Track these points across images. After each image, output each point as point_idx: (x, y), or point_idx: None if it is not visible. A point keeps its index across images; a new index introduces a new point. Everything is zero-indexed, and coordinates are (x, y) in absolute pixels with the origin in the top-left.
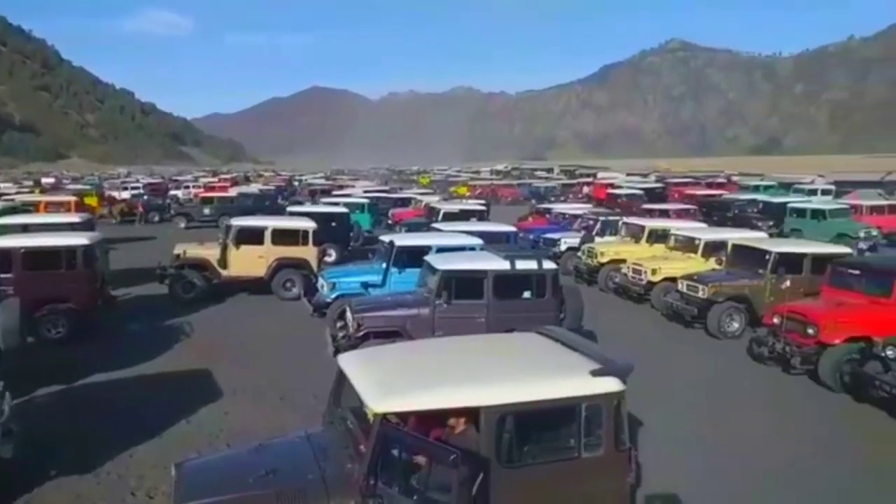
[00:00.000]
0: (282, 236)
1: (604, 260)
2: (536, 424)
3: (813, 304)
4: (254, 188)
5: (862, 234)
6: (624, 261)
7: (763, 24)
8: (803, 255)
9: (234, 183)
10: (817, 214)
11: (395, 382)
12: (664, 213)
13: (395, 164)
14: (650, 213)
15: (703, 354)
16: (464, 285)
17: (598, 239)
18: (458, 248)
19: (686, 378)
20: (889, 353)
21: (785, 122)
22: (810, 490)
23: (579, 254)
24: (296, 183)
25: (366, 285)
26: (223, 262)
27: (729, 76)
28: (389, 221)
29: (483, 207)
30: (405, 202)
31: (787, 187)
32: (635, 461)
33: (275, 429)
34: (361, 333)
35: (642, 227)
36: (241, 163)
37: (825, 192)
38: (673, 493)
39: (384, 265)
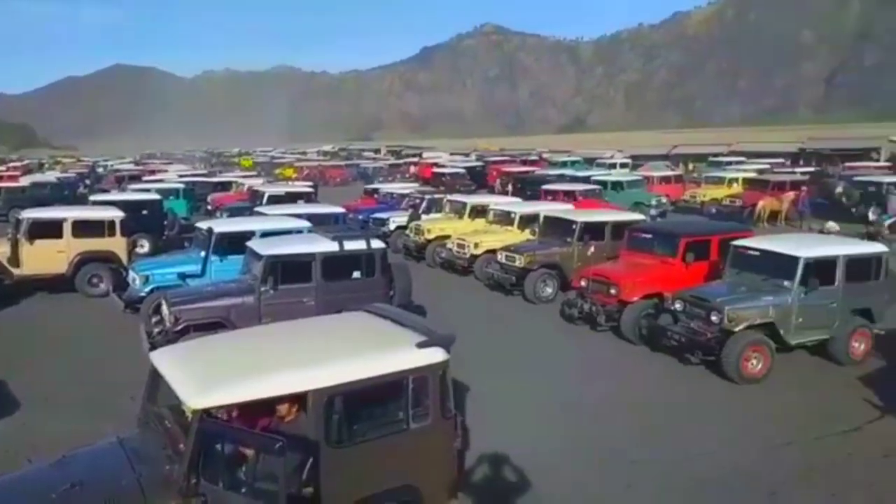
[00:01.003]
0: (84, 228)
1: (430, 237)
2: (365, 402)
3: (613, 266)
4: (50, 176)
5: (654, 203)
6: (449, 236)
7: (566, 10)
8: (604, 224)
9: (27, 171)
10: (616, 186)
11: (212, 375)
12: (570, 195)
13: (214, 147)
14: (554, 195)
15: (522, 318)
16: (291, 269)
17: (424, 217)
18: (285, 232)
19: (507, 341)
20: (677, 305)
21: (588, 103)
22: (622, 426)
23: (407, 232)
24: (100, 169)
25: (183, 276)
26: (14, 259)
27: (538, 60)
28: (209, 207)
29: (311, 189)
30: (225, 186)
31: (590, 162)
32: (462, 426)
33: (85, 437)
34: (180, 327)
35: (464, 204)
36: (34, 148)
37: (623, 166)
38: (502, 452)
39: (203, 253)
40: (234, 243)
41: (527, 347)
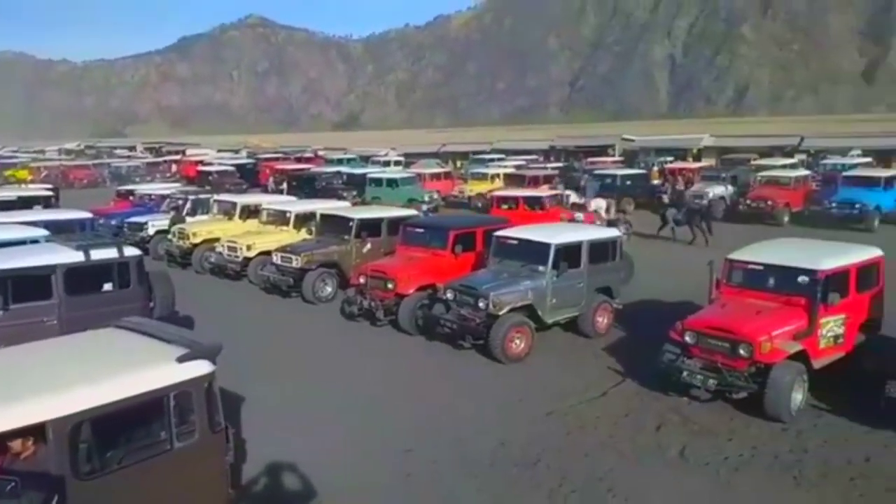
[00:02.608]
0: None
1: (197, 240)
2: (119, 426)
3: (390, 261)
4: None
5: (426, 198)
6: (218, 239)
7: (334, 7)
8: (381, 220)
9: None
10: (392, 183)
11: None
12: (535, 202)
13: None
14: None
15: (302, 320)
16: (24, 285)
17: (189, 219)
18: (17, 243)
19: (287, 345)
20: (448, 295)
21: (361, 100)
22: (401, 416)
23: (170, 236)
24: None
25: None
26: None
27: (308, 55)
28: None
29: (50, 193)
30: None
31: (366, 160)
32: (233, 439)
33: None
34: None
35: (234, 204)
36: None
37: (397, 164)
38: (284, 459)
39: None
40: None
41: (307, 349)
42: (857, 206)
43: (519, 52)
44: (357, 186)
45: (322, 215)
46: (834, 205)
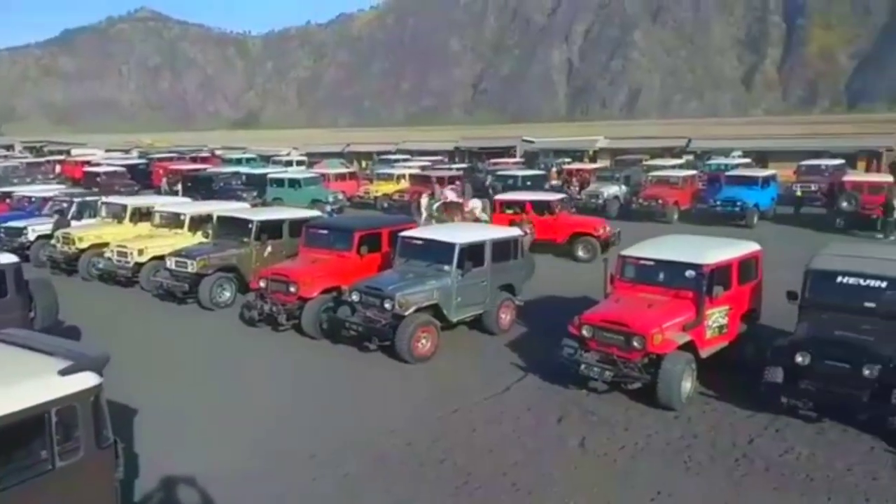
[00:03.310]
0: None
1: (83, 245)
2: None
3: (292, 264)
4: None
5: (331, 199)
6: (107, 244)
7: (231, 3)
8: (282, 222)
9: None
10: (294, 183)
11: None
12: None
13: None
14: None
15: (199, 327)
16: None
17: (74, 223)
18: None
19: (183, 353)
20: (354, 297)
21: (260, 98)
22: (306, 422)
23: (53, 242)
24: None
25: None
26: None
27: (204, 51)
28: None
29: None
30: None
31: (267, 160)
32: (123, 454)
33: None
34: None
35: (124, 206)
36: None
37: (299, 163)
38: (181, 472)
39: None
40: None
41: (205, 357)
42: (738, 203)
43: (422, 53)
44: (257, 187)
45: (219, 217)
46: (718, 203)
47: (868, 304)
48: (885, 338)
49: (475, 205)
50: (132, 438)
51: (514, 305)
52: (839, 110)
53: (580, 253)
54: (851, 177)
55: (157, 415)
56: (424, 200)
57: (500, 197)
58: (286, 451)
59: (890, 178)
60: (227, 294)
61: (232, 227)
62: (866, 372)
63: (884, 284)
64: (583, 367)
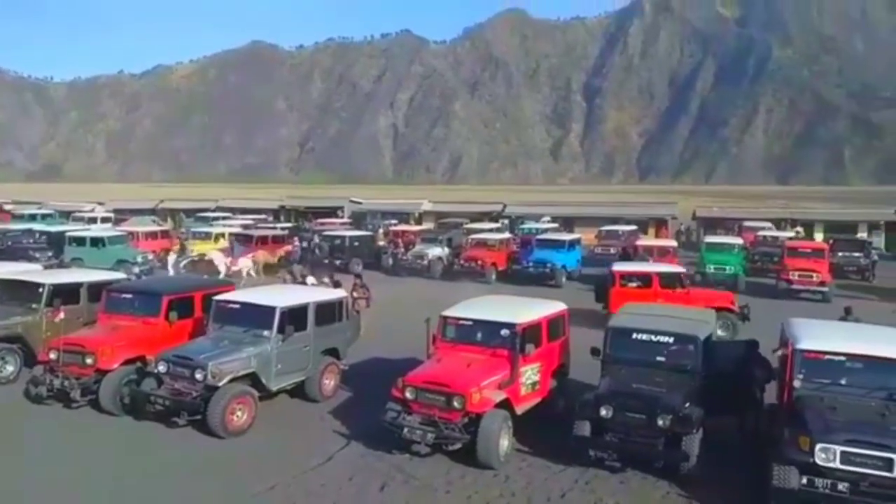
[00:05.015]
0: None
1: None
2: None
3: (89, 332)
4: None
5: (139, 259)
6: None
7: (33, 47)
8: (79, 285)
9: None
10: (97, 242)
11: None
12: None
13: None
14: None
15: None
16: None
17: None
18: None
19: None
20: (160, 367)
21: (63, 149)
22: None
23: None
24: None
25: None
26: None
27: None
28: None
29: None
30: None
31: (67, 215)
32: None
33: None
34: None
35: None
36: None
37: (105, 220)
38: None
39: None
40: None
41: None
42: (547, 265)
43: (246, 110)
44: (54, 246)
45: (2, 280)
46: (531, 264)
47: (659, 359)
48: (675, 389)
49: (245, 264)
50: None
51: (339, 370)
52: (632, 181)
53: (719, 332)
54: (643, 241)
55: None
56: (171, 257)
57: (620, 268)
58: None
59: (674, 243)
60: (10, 368)
61: (18, 291)
62: (660, 422)
63: (671, 340)
64: (406, 430)
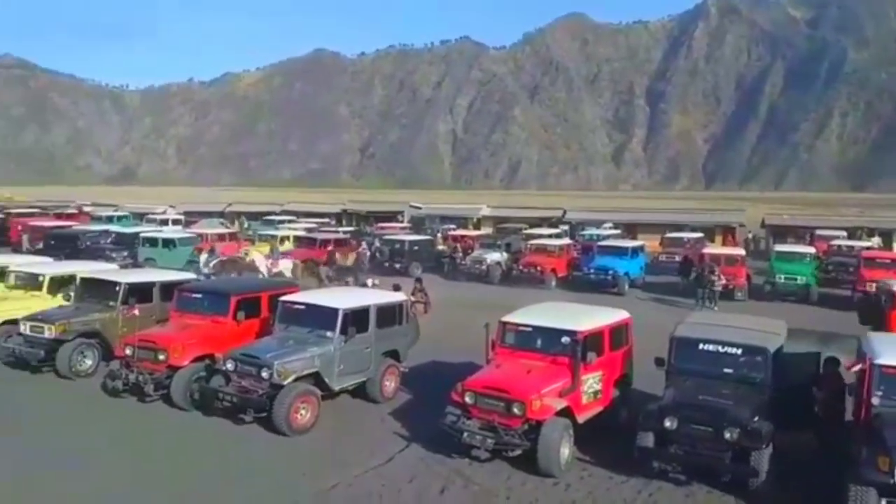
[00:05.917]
0: None
1: None
2: None
3: (161, 330)
4: None
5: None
6: None
7: (107, 56)
8: (153, 284)
9: None
10: (168, 243)
11: None
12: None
13: None
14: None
15: (54, 399)
16: None
17: None
18: None
19: (35, 428)
20: (228, 365)
21: (137, 153)
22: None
23: None
24: None
25: None
26: None
27: (76, 103)
28: None
29: None
30: None
31: (140, 217)
32: None
33: None
34: None
35: None
36: None
37: (176, 222)
38: None
39: None
40: None
41: (58, 431)
42: (609, 272)
43: (310, 116)
44: (128, 247)
45: (83, 279)
46: (592, 271)
47: (727, 370)
48: (743, 402)
49: (286, 265)
50: None
51: (399, 372)
52: (698, 187)
53: None
54: (710, 249)
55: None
56: (203, 257)
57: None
58: None
59: (743, 251)
60: (89, 362)
61: (97, 290)
62: (727, 435)
63: (739, 351)
64: (465, 435)
